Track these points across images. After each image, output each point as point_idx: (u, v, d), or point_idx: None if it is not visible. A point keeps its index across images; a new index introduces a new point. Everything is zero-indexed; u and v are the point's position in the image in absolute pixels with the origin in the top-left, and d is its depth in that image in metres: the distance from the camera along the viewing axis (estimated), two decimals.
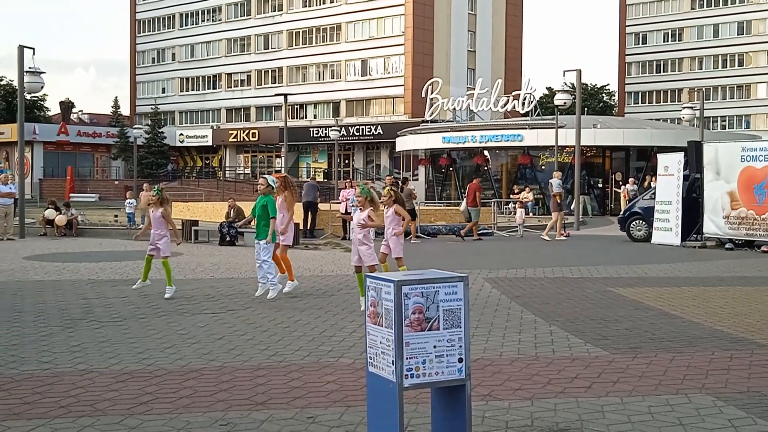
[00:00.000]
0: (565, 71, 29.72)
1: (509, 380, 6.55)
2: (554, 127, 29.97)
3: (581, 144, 29.76)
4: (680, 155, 21.01)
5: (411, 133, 48.31)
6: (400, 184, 22.63)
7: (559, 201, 23.48)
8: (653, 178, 26.54)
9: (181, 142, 72.54)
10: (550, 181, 25.44)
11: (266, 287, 11.00)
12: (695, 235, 20.21)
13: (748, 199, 18.85)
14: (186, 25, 76.14)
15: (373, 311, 4.25)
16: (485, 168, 44.18)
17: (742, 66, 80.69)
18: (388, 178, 23.75)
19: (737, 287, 12.27)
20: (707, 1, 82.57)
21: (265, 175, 11.32)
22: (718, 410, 5.67)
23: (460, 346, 4.21)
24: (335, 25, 66.15)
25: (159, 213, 11.40)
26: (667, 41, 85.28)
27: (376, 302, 4.20)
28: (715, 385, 6.35)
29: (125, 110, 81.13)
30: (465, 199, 25.19)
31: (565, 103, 29.38)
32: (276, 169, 61.03)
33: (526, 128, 40.76)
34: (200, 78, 75.39)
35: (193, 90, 75.99)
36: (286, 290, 11.19)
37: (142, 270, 11.66)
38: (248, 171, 69.86)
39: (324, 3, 66.84)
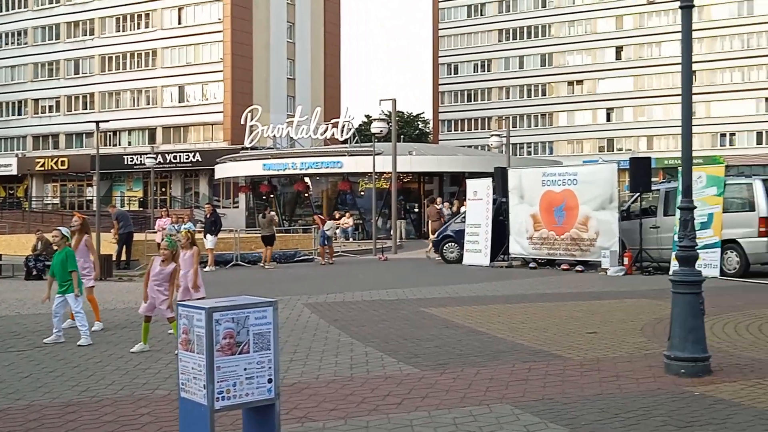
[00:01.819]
0: (381, 100, 30.66)
1: (325, 401, 6.74)
2: (372, 154, 30.81)
3: (398, 170, 30.77)
4: (488, 180, 22.21)
5: (231, 160, 47.94)
6: (263, 211, 22.69)
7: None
8: (462, 203, 27.84)
9: None
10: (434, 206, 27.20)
11: (61, 336, 10.33)
12: (502, 256, 21.40)
13: (549, 220, 20.21)
14: None
15: (185, 338, 4.33)
16: (306, 194, 44.55)
17: (545, 96, 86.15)
18: (207, 206, 23.51)
19: (538, 303, 13.15)
20: (513, 34, 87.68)
21: (59, 227, 10.76)
22: (516, 418, 6.12)
23: (270, 368, 4.36)
24: (151, 51, 64.63)
25: None
26: (477, 72, 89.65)
27: (188, 329, 4.28)
28: (515, 394, 6.84)
29: None
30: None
31: (381, 131, 30.26)
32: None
33: (345, 155, 41.52)
34: (4, 104, 71.24)
35: None
36: (95, 328, 10.85)
37: None
38: (57, 201, 66.56)
39: (139, 28, 65.19)
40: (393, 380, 7.51)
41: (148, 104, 64.87)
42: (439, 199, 31.43)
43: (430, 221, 26.65)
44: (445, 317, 11.61)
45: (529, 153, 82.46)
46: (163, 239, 19.96)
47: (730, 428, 5.71)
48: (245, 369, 4.24)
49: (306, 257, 25.89)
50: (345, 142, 44.09)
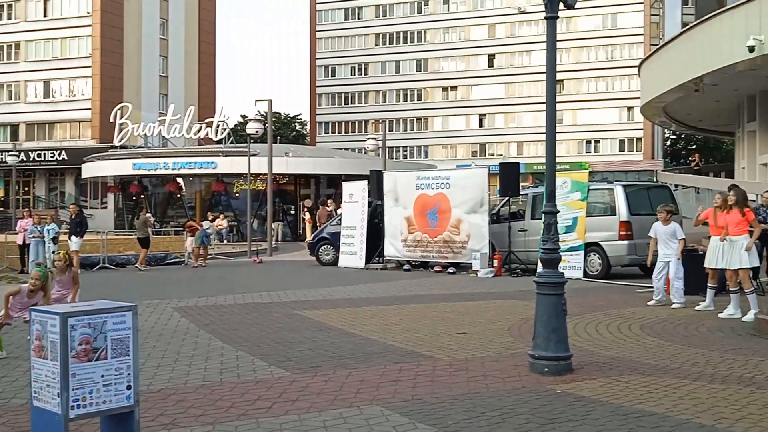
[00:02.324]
0: (257, 100, 30.27)
1: (192, 407, 6.58)
2: (247, 155, 30.42)
3: (274, 172, 30.48)
4: (364, 183, 22.33)
5: (99, 159, 46.27)
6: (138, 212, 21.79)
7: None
8: (339, 205, 27.88)
9: None
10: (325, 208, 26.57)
11: None
12: (378, 258, 21.56)
13: (422, 223, 20.51)
14: None
15: (38, 345, 4.12)
16: (178, 195, 43.52)
17: (421, 100, 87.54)
18: (72, 206, 22.56)
19: (411, 305, 13.31)
20: (389, 38, 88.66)
21: None
22: (386, 419, 6.16)
23: (129, 374, 4.20)
24: (14, 43, 61.62)
25: None
26: (355, 75, 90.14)
27: (41, 335, 4.07)
28: (385, 396, 6.88)
29: None
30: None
31: (257, 131, 29.90)
32: None
33: (219, 155, 40.82)
34: None
35: None
36: None
37: None
38: None
39: (0, 19, 62.03)
40: (264, 384, 7.41)
41: (11, 99, 61.81)
42: (330, 201, 31.26)
43: (320, 223, 26.59)
44: (319, 320, 11.58)
45: (404, 156, 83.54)
46: (24, 241, 18.94)
47: (589, 424, 5.93)
48: (102, 376, 4.07)
49: (177, 260, 25.27)
50: (219, 142, 43.34)
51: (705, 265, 11.84)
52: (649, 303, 12.70)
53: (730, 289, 11.34)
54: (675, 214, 18.43)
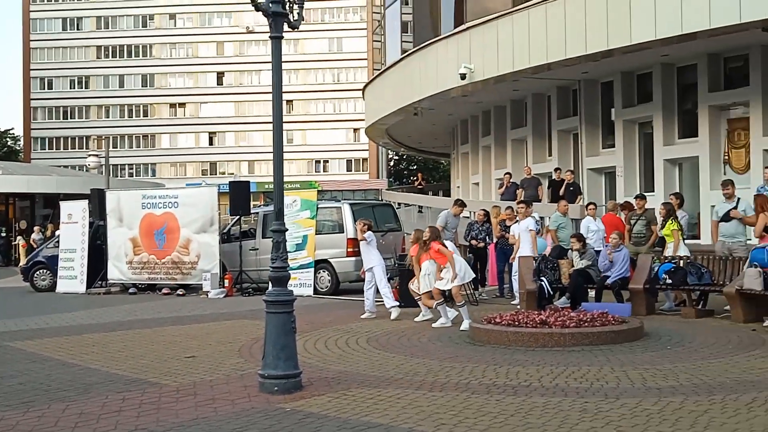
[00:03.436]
0: None
1: None
2: None
3: None
4: (84, 203, 21.08)
5: None
6: None
7: None
8: (57, 226, 26.14)
9: None
10: None
11: None
12: (100, 282, 20.43)
13: (149, 244, 19.76)
14: None
15: None
16: None
17: (147, 117, 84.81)
18: None
19: (136, 330, 12.72)
20: (113, 52, 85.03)
21: None
22: None
23: None
24: None
25: None
26: (74, 88, 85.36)
27: None
28: (106, 428, 6.47)
29: None
30: None
31: None
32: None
33: None
34: None
35: None
36: None
37: None
38: None
39: None
40: None
41: None
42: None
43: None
44: (33, 350, 10.69)
45: (130, 175, 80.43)
46: None
47: None
48: None
49: None
50: None
51: (416, 289, 12.54)
52: (363, 316, 13.20)
53: (436, 302, 12.05)
54: (397, 230, 19.48)
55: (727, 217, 12.74)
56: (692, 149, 19.88)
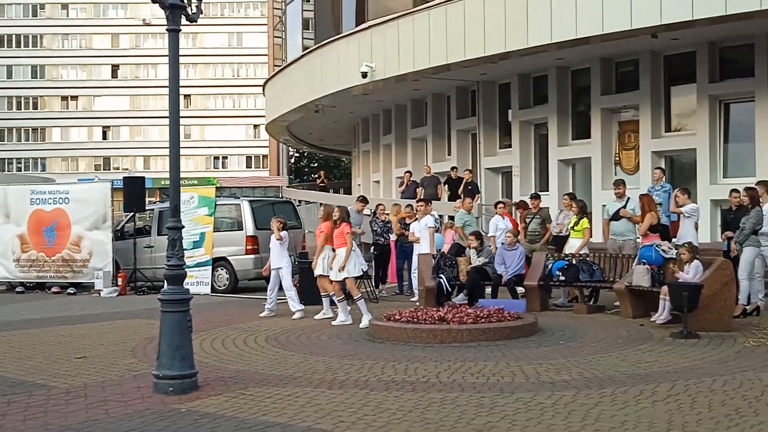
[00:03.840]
0: None
1: None
2: None
3: None
4: None
5: None
6: None
7: None
8: None
9: None
10: None
11: None
12: None
13: (38, 241, 19.01)
14: None
15: None
16: None
17: (37, 109, 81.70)
18: None
19: (24, 330, 12.21)
20: (0, 42, 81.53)
21: None
22: None
23: None
24: None
25: None
26: None
27: None
28: None
29: None
30: None
31: None
32: None
33: None
34: None
35: None
36: None
37: None
38: None
39: None
40: None
41: None
42: None
43: None
44: None
45: (19, 169, 77.38)
46: None
47: None
48: None
49: None
50: None
51: (316, 274, 12.48)
52: (262, 314, 13.07)
53: (337, 298, 12.03)
54: (298, 228, 19.34)
55: (617, 216, 13.20)
56: (585, 150, 20.50)
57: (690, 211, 12.77)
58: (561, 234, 14.26)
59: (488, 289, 13.55)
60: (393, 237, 16.28)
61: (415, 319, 10.37)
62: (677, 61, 18.97)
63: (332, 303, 12.43)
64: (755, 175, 15.86)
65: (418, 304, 13.23)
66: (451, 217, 17.84)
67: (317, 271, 12.38)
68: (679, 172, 19.43)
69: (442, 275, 13.24)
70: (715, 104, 18.13)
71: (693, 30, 16.07)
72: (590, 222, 13.95)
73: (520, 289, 13.35)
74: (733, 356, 8.71)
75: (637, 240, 13.17)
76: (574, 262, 12.92)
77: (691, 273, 10.58)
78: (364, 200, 16.67)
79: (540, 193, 16.55)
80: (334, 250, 12.10)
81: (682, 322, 9.95)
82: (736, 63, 18.30)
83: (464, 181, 20.41)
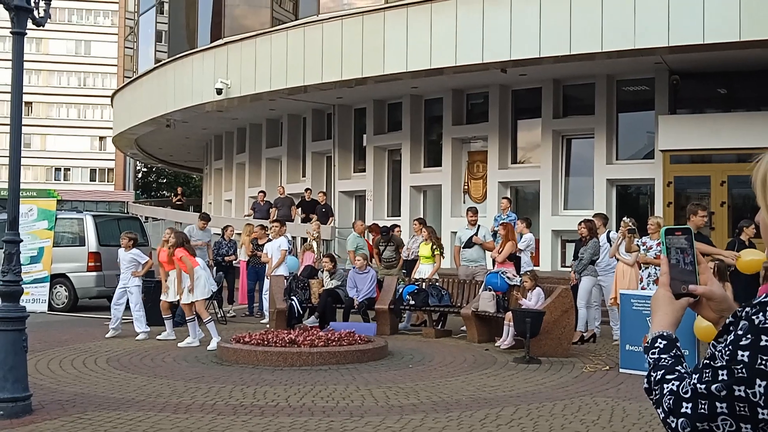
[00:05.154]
0: None
1: None
2: None
3: None
4: None
5: None
6: None
7: None
8: None
9: None
10: None
11: None
12: None
13: None
14: None
15: None
16: None
17: None
18: None
19: None
20: None
21: None
22: None
23: None
24: None
25: None
26: None
27: None
28: None
29: None
30: None
31: None
32: None
33: None
34: None
35: None
36: None
37: None
38: None
39: None
40: None
41: None
42: None
43: None
44: None
45: None
46: None
47: None
48: None
49: None
50: None
51: (168, 300, 12.12)
52: (108, 335, 12.53)
53: (187, 318, 11.74)
54: (144, 245, 18.71)
55: (470, 243, 13.58)
56: (436, 178, 21.01)
57: (528, 240, 13.42)
58: (408, 258, 14.49)
59: (340, 312, 13.57)
60: (244, 257, 16.03)
61: (266, 342, 10.23)
62: (524, 96, 19.83)
63: (176, 324, 12.09)
64: (593, 208, 16.76)
65: (268, 326, 13.06)
66: (304, 239, 17.81)
67: (169, 298, 12.00)
68: (523, 202, 20.25)
69: (294, 297, 13.14)
70: (558, 139, 19.05)
71: (540, 67, 16.86)
72: (441, 248, 14.24)
73: (371, 313, 13.43)
74: (572, 381, 9.10)
75: (488, 268, 13.58)
76: (424, 286, 13.15)
77: (533, 300, 11.01)
78: (206, 217, 16.65)
79: (392, 218, 16.79)
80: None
81: (525, 348, 10.32)
82: (578, 101, 19.35)
83: (318, 203, 20.41)
